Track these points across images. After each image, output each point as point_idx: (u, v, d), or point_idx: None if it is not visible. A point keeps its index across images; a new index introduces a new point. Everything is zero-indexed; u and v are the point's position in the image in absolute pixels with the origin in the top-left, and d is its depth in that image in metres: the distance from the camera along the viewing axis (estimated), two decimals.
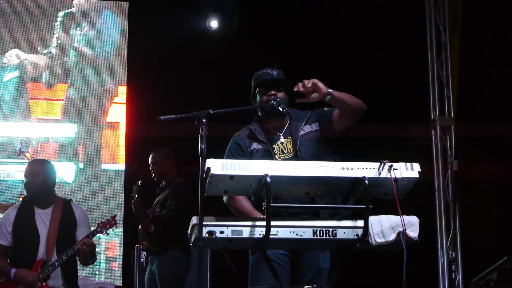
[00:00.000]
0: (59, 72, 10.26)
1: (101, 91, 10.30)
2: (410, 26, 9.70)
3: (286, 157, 4.80)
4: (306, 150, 4.79)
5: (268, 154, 4.81)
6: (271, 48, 9.49)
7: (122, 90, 10.39)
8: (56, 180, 6.53)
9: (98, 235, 6.52)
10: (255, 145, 4.87)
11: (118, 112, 10.32)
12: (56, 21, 10.26)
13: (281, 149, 4.83)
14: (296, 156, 4.76)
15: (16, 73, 10.19)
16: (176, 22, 10.07)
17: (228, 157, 4.88)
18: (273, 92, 4.88)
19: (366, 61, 9.74)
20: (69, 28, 10.36)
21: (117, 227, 6.69)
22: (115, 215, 6.69)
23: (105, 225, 6.50)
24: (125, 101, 10.31)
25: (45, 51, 10.22)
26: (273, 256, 4.49)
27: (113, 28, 10.51)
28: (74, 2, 10.42)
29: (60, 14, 10.29)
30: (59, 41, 10.28)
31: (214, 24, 10.50)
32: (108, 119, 10.34)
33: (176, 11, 10.14)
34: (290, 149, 4.83)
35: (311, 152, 4.79)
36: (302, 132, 4.87)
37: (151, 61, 10.01)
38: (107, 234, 6.59)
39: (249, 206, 4.70)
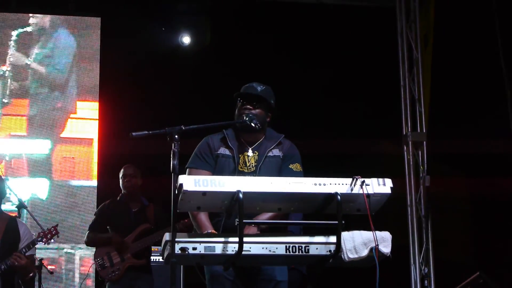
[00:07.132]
0: (16, 89, 10.22)
1: (64, 107, 10.27)
2: (382, 41, 9.74)
3: (245, 171, 4.79)
4: (266, 172, 4.75)
5: (232, 162, 4.80)
6: (243, 64, 9.49)
7: (82, 106, 10.38)
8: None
9: (44, 245, 6.55)
10: (223, 150, 4.86)
11: (91, 128, 10.27)
12: (11, 39, 10.24)
13: (245, 161, 4.82)
14: (255, 174, 4.76)
15: None
16: (148, 38, 10.07)
17: (196, 156, 4.88)
18: (248, 106, 4.87)
19: (338, 76, 9.77)
20: (24, 46, 10.32)
21: (58, 237, 6.73)
22: (57, 225, 6.78)
23: (46, 235, 6.56)
24: (97, 117, 10.27)
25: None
26: (220, 270, 4.44)
27: (68, 45, 10.49)
28: (29, 21, 10.39)
29: (15, 33, 10.26)
30: (13, 59, 10.24)
31: (186, 40, 10.49)
32: (81, 135, 10.29)
33: (149, 27, 10.13)
34: (252, 164, 4.82)
35: (269, 175, 4.75)
36: (270, 154, 4.86)
37: (123, 77, 9.98)
38: (48, 243, 6.61)
39: (204, 217, 4.66)
